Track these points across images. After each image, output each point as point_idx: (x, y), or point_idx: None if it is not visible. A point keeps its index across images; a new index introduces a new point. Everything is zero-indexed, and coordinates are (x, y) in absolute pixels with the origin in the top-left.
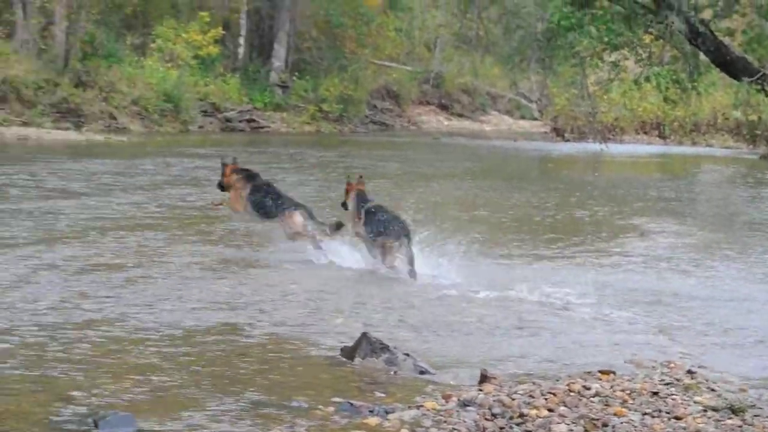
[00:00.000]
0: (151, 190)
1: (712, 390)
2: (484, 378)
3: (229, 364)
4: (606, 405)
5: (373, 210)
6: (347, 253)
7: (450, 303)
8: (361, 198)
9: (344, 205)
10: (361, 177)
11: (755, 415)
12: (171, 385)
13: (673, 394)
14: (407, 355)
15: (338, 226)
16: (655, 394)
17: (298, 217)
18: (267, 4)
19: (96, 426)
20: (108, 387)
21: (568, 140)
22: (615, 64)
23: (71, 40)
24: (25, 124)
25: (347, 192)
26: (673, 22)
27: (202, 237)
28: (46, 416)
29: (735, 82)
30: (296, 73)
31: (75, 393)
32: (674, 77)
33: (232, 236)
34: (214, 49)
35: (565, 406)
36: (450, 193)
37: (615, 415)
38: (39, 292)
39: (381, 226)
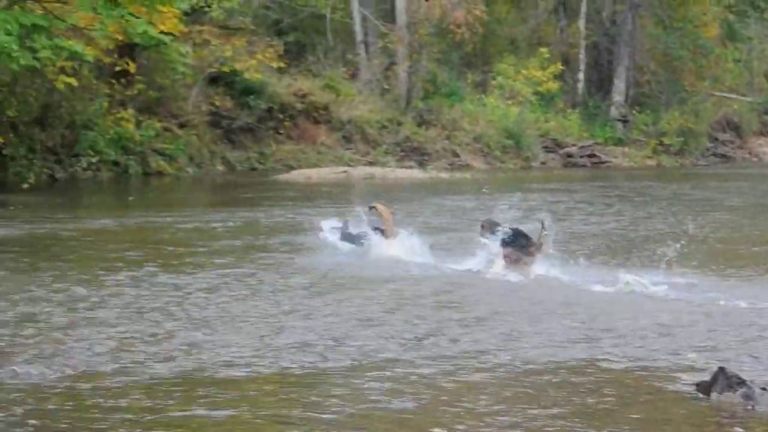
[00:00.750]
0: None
1: None
2: None
3: (588, 400)
4: None
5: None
6: None
7: None
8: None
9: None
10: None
11: None
12: (532, 421)
13: None
14: (764, 389)
15: None
16: None
17: None
18: (605, 39)
19: None
20: (469, 423)
21: None
22: None
23: (413, 80)
24: (370, 163)
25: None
26: None
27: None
28: None
29: None
30: (636, 107)
31: (436, 429)
32: None
33: (580, 271)
34: (554, 85)
35: None
36: None
37: None
38: (393, 329)
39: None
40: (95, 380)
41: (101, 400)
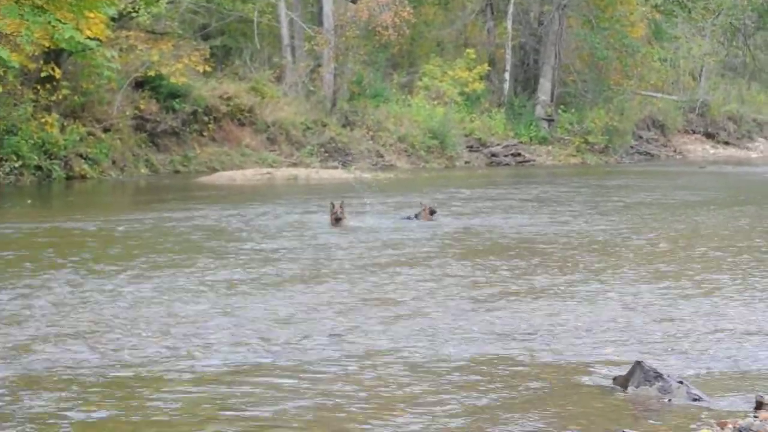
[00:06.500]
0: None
1: None
2: (759, 404)
3: (504, 395)
4: None
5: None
6: None
7: (725, 333)
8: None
9: (417, 216)
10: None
11: None
12: (445, 417)
13: None
14: (681, 382)
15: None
16: None
17: None
18: (532, 39)
19: None
20: (384, 419)
21: None
22: None
23: (339, 82)
24: (293, 164)
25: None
26: None
27: (475, 269)
28: None
29: None
30: (561, 106)
31: (352, 426)
32: None
33: (505, 269)
34: (479, 85)
35: None
36: (721, 223)
37: None
38: (308, 328)
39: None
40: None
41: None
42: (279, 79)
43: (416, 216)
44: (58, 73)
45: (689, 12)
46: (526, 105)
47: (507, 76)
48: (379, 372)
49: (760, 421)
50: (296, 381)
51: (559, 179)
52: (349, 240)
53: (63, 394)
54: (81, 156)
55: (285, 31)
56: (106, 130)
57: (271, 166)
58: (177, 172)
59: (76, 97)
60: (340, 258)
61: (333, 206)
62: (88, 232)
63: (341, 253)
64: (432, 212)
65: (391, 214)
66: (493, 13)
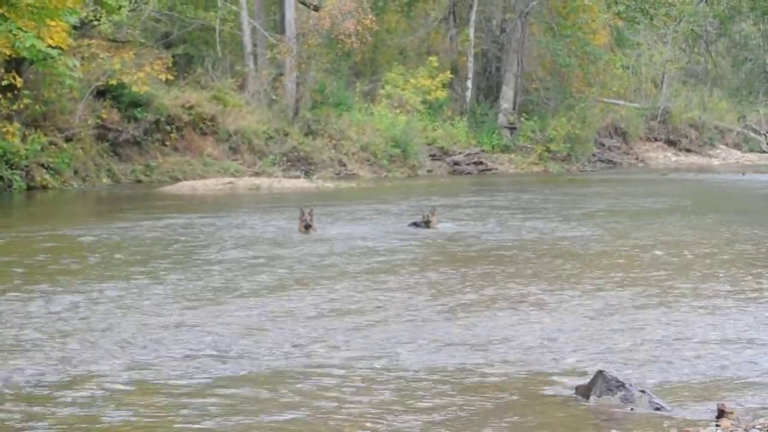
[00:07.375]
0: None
1: None
2: (721, 413)
3: (465, 405)
4: None
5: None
6: None
7: (687, 342)
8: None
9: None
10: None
11: None
12: (404, 428)
13: None
14: (643, 391)
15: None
16: None
17: None
18: (494, 47)
19: None
20: (344, 430)
21: None
22: None
23: (301, 90)
24: (256, 174)
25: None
26: None
27: (443, 278)
28: None
29: None
30: (524, 114)
31: None
32: None
33: (471, 278)
34: (442, 93)
35: None
36: (684, 231)
37: None
38: (271, 339)
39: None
40: None
41: None
42: (241, 87)
43: (418, 224)
44: (19, 81)
45: (651, 19)
46: (489, 113)
47: (469, 84)
48: (337, 384)
49: (722, 429)
50: (258, 393)
51: (521, 188)
52: (322, 249)
53: (18, 410)
54: (42, 166)
55: (247, 39)
56: (67, 140)
57: (234, 176)
58: (139, 181)
59: (37, 106)
60: (311, 267)
61: (302, 213)
62: (50, 243)
63: (312, 260)
64: (427, 223)
65: (375, 221)
66: (455, 20)
